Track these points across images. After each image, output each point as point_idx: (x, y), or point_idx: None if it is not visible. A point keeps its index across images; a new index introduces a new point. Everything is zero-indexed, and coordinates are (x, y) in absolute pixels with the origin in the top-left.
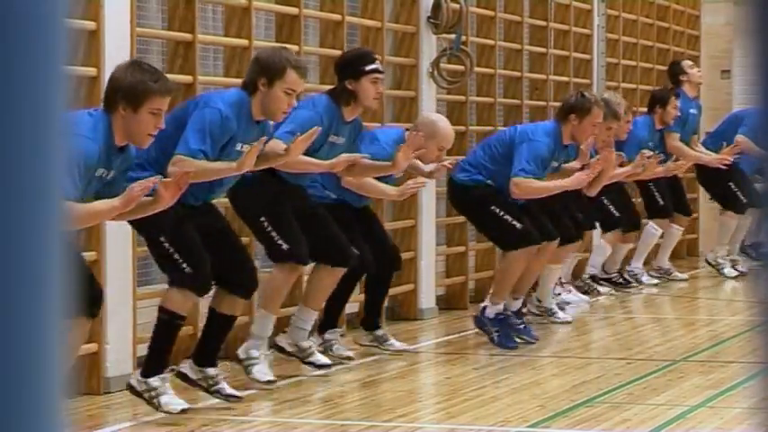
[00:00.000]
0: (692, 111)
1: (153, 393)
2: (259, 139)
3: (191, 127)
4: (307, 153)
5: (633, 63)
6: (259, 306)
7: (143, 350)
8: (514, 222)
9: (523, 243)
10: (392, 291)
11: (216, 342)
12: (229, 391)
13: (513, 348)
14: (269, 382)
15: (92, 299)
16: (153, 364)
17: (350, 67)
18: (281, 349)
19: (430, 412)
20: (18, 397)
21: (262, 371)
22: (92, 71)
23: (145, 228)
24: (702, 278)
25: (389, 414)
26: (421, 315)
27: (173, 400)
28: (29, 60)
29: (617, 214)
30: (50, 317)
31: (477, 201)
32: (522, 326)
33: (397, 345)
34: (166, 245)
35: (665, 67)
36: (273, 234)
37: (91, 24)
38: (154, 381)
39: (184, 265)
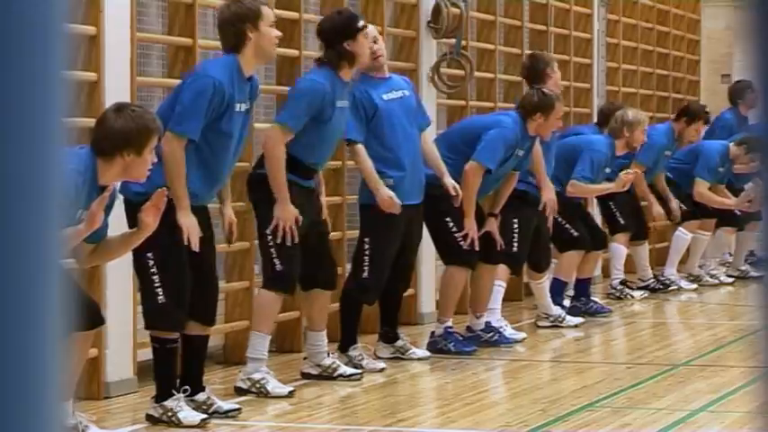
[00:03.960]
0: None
1: (170, 414)
2: (249, 95)
3: (183, 99)
4: (320, 122)
5: (633, 67)
6: (252, 328)
7: (143, 355)
8: (461, 240)
9: (461, 262)
10: None
11: (198, 366)
12: (227, 406)
13: (473, 352)
14: (290, 393)
15: (89, 311)
16: (162, 388)
17: (344, 30)
18: (308, 376)
19: (430, 417)
20: (16, 405)
21: (277, 386)
22: (92, 76)
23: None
24: (703, 283)
25: (390, 419)
26: (421, 320)
27: (190, 413)
28: (29, 66)
29: (622, 221)
30: (49, 330)
31: (433, 203)
32: (495, 337)
33: (419, 352)
34: (150, 262)
35: (665, 72)
36: (273, 251)
37: (91, 29)
38: (168, 403)
39: (160, 293)
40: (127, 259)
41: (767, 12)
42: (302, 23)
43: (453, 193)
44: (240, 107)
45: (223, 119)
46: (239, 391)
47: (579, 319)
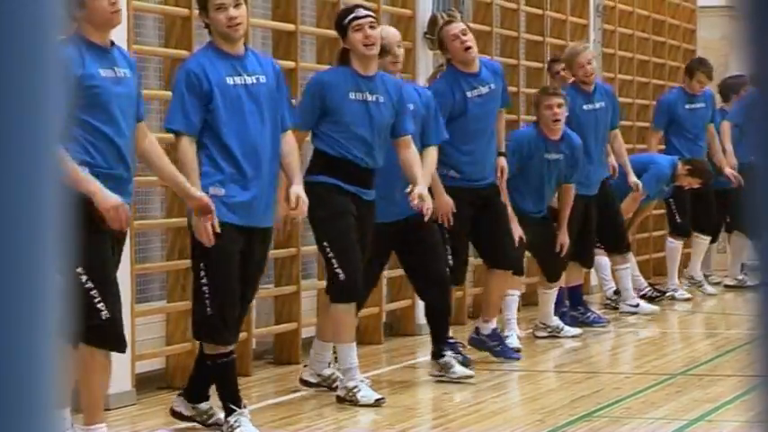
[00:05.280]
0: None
1: (229, 429)
2: (245, 69)
3: (172, 99)
4: (332, 115)
5: (629, 77)
6: (335, 342)
7: (141, 367)
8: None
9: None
10: (390, 307)
11: (207, 378)
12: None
13: (518, 359)
14: (377, 401)
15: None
16: (227, 402)
17: (339, 28)
18: (307, 383)
19: (429, 427)
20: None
21: (367, 394)
22: None
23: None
24: (699, 292)
25: (388, 429)
26: (419, 330)
27: (244, 430)
28: (25, 76)
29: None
30: (45, 327)
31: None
32: (498, 347)
33: (459, 371)
34: (202, 273)
35: (661, 81)
36: (334, 261)
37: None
38: (231, 418)
39: (209, 309)
40: (123, 272)
41: (763, 21)
42: (298, 35)
43: (415, 201)
44: (233, 80)
45: (214, 97)
46: (340, 400)
47: (578, 330)
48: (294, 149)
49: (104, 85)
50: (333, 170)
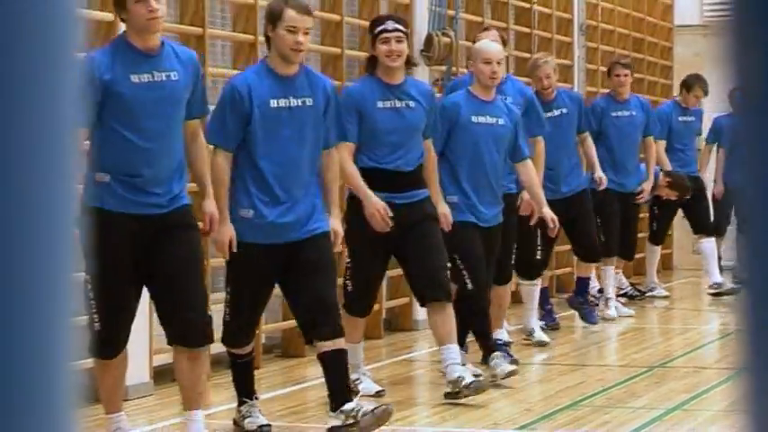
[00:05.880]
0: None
1: (240, 417)
2: (293, 91)
3: (214, 112)
4: (363, 124)
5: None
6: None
7: (159, 360)
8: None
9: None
10: (389, 303)
11: (337, 381)
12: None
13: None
14: (378, 392)
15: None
16: (241, 395)
17: (371, 32)
18: None
19: (425, 416)
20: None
21: (368, 386)
22: None
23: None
24: (677, 289)
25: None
26: (416, 326)
27: (253, 419)
28: (41, 55)
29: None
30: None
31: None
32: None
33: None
34: (229, 287)
35: (641, 96)
36: (348, 272)
37: (108, 16)
38: (242, 408)
39: (227, 315)
40: None
41: (746, 36)
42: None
43: (444, 227)
44: (277, 102)
45: (254, 117)
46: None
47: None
48: (332, 166)
49: (131, 91)
50: (364, 181)
